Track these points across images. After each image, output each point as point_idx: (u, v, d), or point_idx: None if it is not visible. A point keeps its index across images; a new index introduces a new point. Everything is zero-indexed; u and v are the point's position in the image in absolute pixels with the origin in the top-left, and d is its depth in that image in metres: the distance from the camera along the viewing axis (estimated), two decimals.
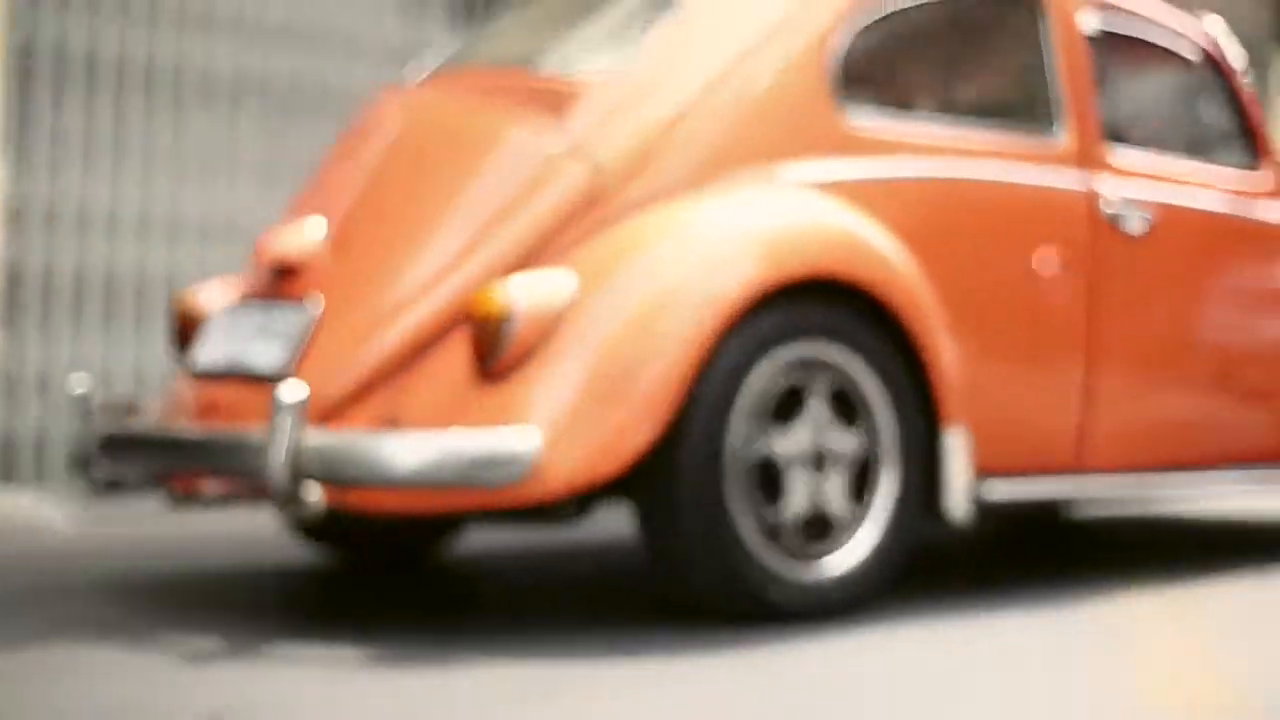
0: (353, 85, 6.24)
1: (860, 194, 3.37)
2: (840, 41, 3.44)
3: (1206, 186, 4.10)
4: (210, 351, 3.35)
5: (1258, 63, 10.93)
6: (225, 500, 3.18)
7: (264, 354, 3.19)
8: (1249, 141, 4.32)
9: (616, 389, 2.90)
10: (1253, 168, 4.30)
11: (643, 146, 3.22)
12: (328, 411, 3.03)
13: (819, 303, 3.17)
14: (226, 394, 3.22)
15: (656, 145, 3.23)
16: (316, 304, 3.18)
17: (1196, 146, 4.20)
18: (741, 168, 3.27)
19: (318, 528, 3.96)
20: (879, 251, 3.25)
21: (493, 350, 2.95)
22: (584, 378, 2.91)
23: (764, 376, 3.08)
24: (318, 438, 2.89)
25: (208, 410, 3.24)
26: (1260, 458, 4.19)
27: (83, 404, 3.48)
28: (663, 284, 3.00)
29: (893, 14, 3.56)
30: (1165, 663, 2.72)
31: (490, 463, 2.82)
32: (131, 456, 3.26)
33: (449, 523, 4.02)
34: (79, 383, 3.51)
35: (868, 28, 3.50)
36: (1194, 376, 3.99)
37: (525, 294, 2.97)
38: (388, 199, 3.28)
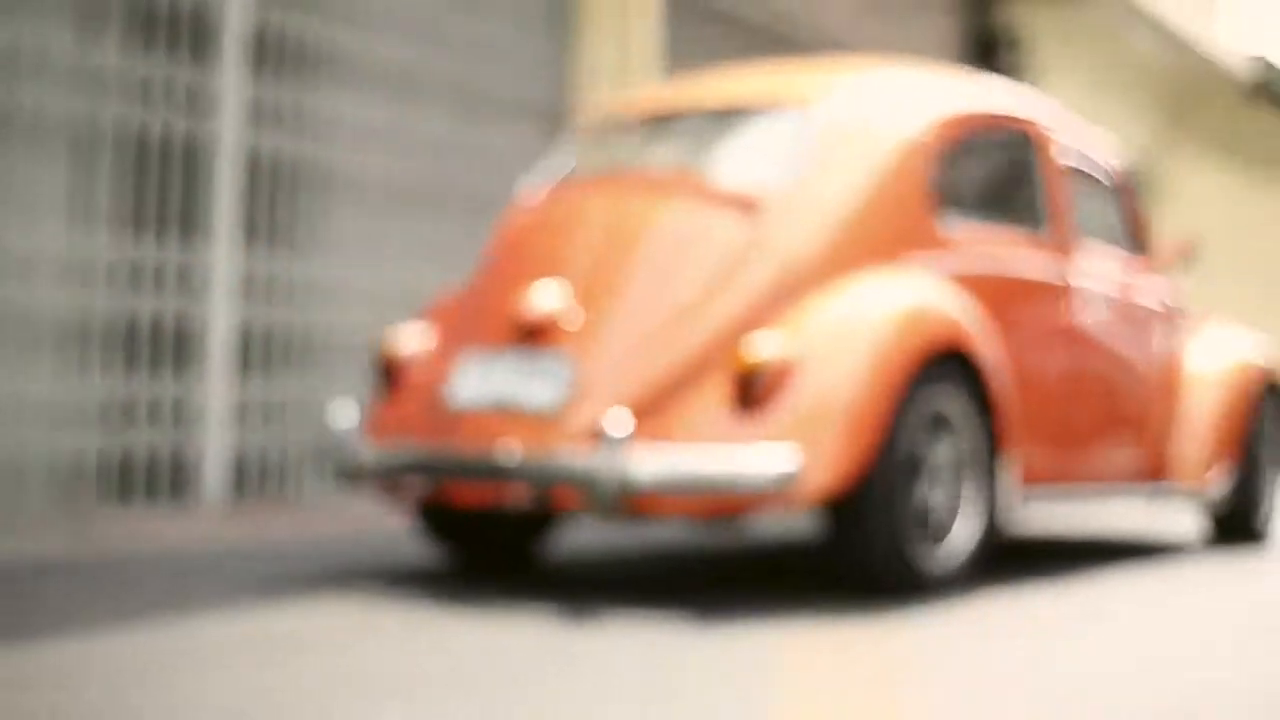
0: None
1: (957, 282, 4.56)
2: (933, 165, 4.62)
3: (1122, 271, 5.51)
4: (470, 390, 4.23)
5: None
6: (525, 510, 4.08)
7: (537, 392, 4.11)
8: (1138, 235, 5.77)
9: (844, 423, 3.98)
10: (1140, 252, 5.76)
11: (812, 241, 4.31)
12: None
13: (939, 361, 4.33)
14: (500, 423, 4.12)
15: (820, 241, 4.32)
16: (577, 352, 4.12)
17: (1113, 237, 5.62)
18: (876, 259, 4.40)
19: (449, 529, 4.83)
20: (976, 328, 4.44)
21: (750, 390, 3.98)
22: (820, 414, 3.97)
23: (917, 413, 4.22)
24: (639, 460, 3.85)
25: (481, 436, 4.13)
26: (1145, 477, 5.60)
27: (349, 432, 4.30)
28: (862, 349, 4.09)
29: (958, 148, 4.77)
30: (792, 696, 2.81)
31: (772, 474, 3.85)
32: (425, 473, 4.12)
33: (548, 524, 4.97)
34: (344, 414, 4.33)
35: (946, 156, 4.70)
36: (1114, 416, 5.36)
37: (769, 349, 4.01)
38: (618, 270, 4.25)
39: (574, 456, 3.94)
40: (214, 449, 6.52)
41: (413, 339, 4.60)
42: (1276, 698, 2.85)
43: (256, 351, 6.84)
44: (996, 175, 4.98)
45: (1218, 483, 5.79)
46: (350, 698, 2.70)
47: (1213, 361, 5.94)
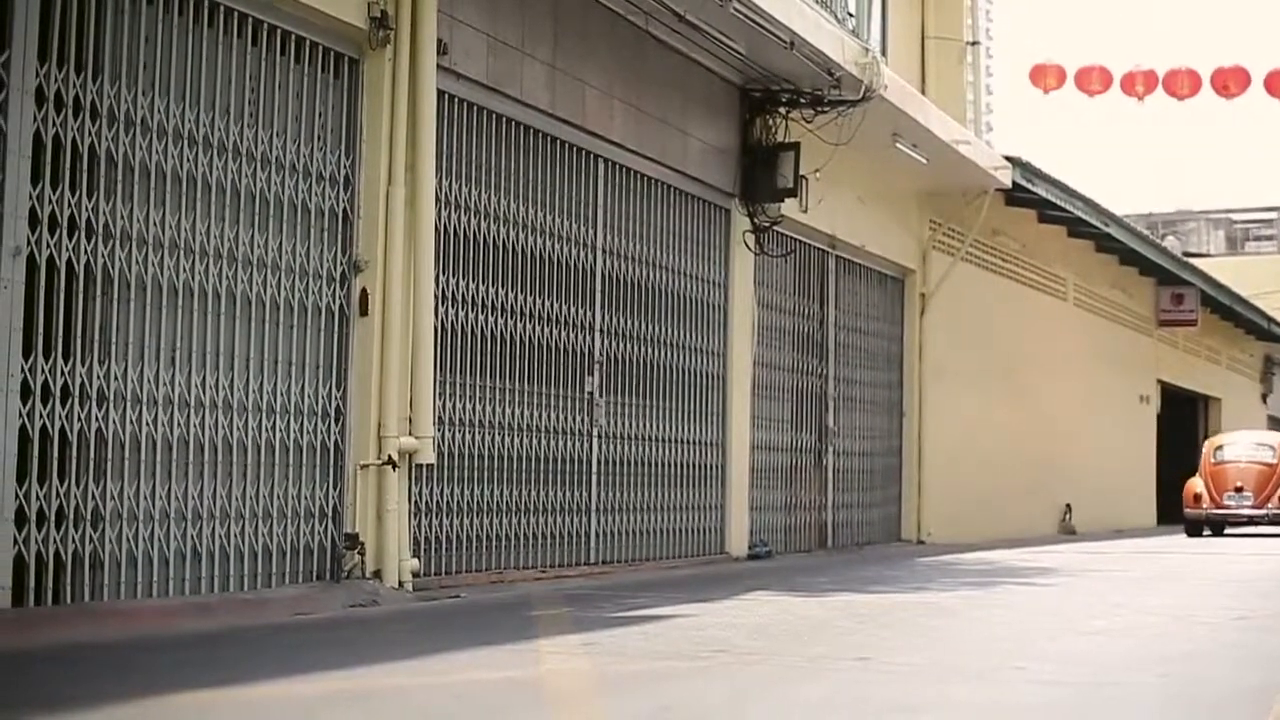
0: None
1: None
2: None
3: None
4: (1230, 501, 23.48)
5: (722, 211, 13.19)
6: (1247, 525, 23.11)
7: (1245, 505, 23.28)
8: None
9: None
10: None
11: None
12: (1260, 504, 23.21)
13: None
14: (1237, 508, 23.38)
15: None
16: (1254, 493, 23.20)
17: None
18: None
19: (1197, 529, 23.69)
20: None
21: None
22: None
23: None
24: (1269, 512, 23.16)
25: (1234, 510, 23.25)
26: None
27: (1204, 508, 23.28)
28: None
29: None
30: None
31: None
32: (1221, 519, 23.49)
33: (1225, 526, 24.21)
34: (1199, 507, 23.37)
35: None
36: None
37: None
38: (1253, 478, 23.42)
39: (1261, 511, 23.02)
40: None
41: (1199, 488, 23.48)
42: None
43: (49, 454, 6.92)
44: None
45: None
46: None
47: None
